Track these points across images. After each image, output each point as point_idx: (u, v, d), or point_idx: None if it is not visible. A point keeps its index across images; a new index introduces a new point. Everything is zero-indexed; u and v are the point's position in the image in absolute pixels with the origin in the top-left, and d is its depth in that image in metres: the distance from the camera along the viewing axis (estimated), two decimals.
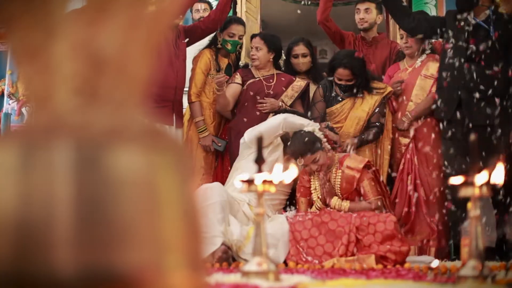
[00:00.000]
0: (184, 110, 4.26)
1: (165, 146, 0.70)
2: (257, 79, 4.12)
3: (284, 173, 2.09)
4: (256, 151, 2.06)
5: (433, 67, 4.01)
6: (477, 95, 3.64)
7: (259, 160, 2.06)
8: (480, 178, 1.97)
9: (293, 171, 2.07)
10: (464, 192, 1.97)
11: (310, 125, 3.59)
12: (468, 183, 1.96)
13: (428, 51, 4.10)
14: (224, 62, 4.26)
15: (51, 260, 0.66)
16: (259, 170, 2.05)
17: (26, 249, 0.65)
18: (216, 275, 2.11)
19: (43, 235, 0.66)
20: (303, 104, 4.16)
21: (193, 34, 4.13)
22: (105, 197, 0.66)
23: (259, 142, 2.06)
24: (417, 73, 4.06)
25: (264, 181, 2.03)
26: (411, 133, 3.98)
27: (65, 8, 0.72)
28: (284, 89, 4.10)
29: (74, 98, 0.69)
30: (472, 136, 2.04)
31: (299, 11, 5.56)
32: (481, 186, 1.96)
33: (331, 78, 3.98)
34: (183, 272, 0.68)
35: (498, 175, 2.02)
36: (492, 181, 2.00)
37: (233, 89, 4.09)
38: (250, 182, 2.05)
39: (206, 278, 0.72)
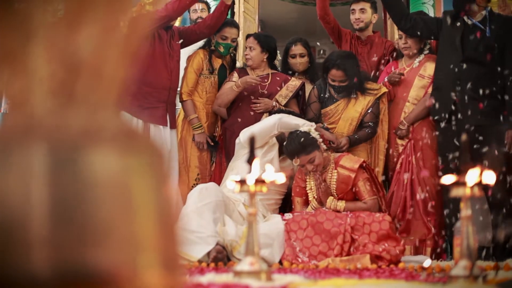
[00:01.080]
0: (178, 111, 4.28)
1: (140, 148, 0.71)
2: None
3: (276, 173, 2.10)
4: (248, 152, 2.07)
5: (430, 68, 4.01)
6: (472, 95, 3.64)
7: (251, 161, 2.07)
8: (472, 178, 1.97)
9: (281, 175, 2.08)
10: (455, 192, 1.98)
11: (305, 125, 3.60)
12: (459, 183, 1.97)
13: (426, 51, 4.10)
14: (218, 63, 4.28)
15: (27, 260, 0.67)
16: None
17: (2, 250, 0.66)
18: (208, 275, 2.12)
19: (19, 235, 0.67)
20: (299, 104, 4.17)
21: (188, 37, 4.14)
22: (80, 198, 0.67)
23: (251, 142, 2.07)
24: (415, 73, 4.07)
25: (257, 181, 2.04)
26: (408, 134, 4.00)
27: (43, 12, 0.73)
28: (278, 88, 4.11)
29: (50, 100, 0.70)
30: (464, 137, 2.05)
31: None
32: (472, 186, 1.97)
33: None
34: (157, 272, 0.69)
35: (489, 176, 2.03)
36: (483, 182, 2.01)
37: (228, 86, 4.10)
38: (242, 182, 2.06)
39: (181, 277, 0.73)
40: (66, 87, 0.71)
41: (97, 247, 0.67)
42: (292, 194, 3.68)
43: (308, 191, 3.61)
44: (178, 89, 4.16)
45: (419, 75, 4.05)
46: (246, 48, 4.22)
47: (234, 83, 4.03)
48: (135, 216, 0.69)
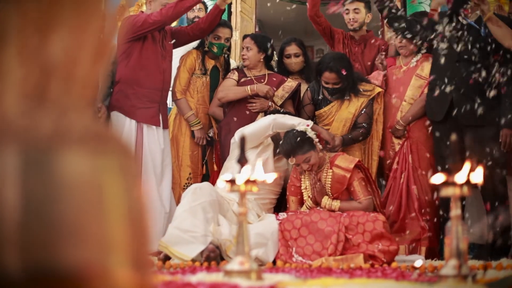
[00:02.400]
0: (170, 111, 4.31)
1: (110, 148, 0.72)
2: (248, 78, 4.15)
3: (266, 173, 2.11)
4: (239, 152, 2.09)
5: (428, 68, 4.01)
6: (468, 95, 3.65)
7: (242, 160, 2.09)
8: (461, 177, 1.98)
9: (271, 175, 2.09)
10: (445, 192, 1.99)
11: (301, 124, 3.60)
12: (449, 183, 1.98)
13: (423, 51, 4.11)
14: (210, 64, 4.30)
15: None
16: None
17: None
18: (199, 274, 2.13)
19: None
20: (294, 105, 4.18)
21: (180, 38, 4.18)
22: (51, 198, 0.68)
23: (242, 142, 2.08)
24: (412, 72, 4.07)
25: (247, 181, 2.05)
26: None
27: (16, 15, 0.74)
28: (275, 89, 4.11)
29: (23, 102, 0.71)
30: (453, 136, 2.05)
31: (288, 8, 5.57)
32: (461, 185, 1.98)
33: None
34: (127, 271, 0.70)
35: (479, 175, 2.03)
36: (472, 181, 2.01)
37: (229, 83, 4.12)
38: (232, 182, 2.07)
39: (150, 277, 0.74)
40: (38, 89, 0.71)
41: (68, 246, 0.68)
42: (287, 194, 3.69)
43: (303, 191, 3.61)
44: (170, 89, 4.19)
45: (416, 75, 4.05)
46: (243, 48, 4.22)
47: (249, 86, 4.03)
48: (105, 215, 0.70)
